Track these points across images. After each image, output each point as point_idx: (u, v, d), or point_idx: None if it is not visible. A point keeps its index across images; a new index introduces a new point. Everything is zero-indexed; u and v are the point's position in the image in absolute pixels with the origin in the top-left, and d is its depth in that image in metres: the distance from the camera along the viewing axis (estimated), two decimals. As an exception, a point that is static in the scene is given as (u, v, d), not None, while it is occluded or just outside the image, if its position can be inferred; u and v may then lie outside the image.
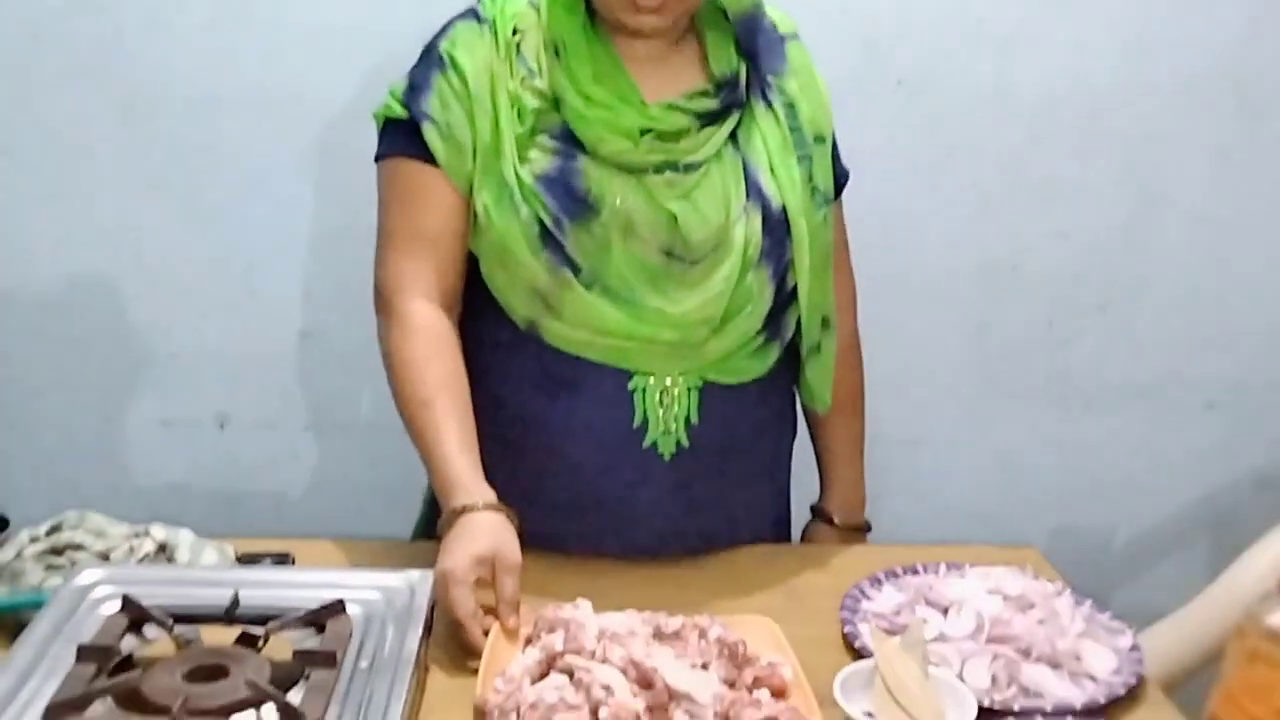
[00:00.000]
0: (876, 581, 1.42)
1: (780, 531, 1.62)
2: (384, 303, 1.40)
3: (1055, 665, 1.25)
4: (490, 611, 1.26)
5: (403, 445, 1.37)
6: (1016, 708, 1.19)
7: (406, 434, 1.36)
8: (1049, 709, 1.19)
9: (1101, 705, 1.20)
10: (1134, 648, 1.29)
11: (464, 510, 1.28)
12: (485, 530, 1.27)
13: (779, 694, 1.17)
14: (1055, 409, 2.26)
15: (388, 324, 1.40)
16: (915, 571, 1.43)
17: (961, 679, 1.21)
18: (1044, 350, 2.22)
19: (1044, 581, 1.37)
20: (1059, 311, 2.21)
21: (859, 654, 1.27)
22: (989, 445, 2.27)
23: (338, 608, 1.14)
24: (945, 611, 1.33)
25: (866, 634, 1.29)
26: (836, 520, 1.63)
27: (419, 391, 1.35)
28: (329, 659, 1.05)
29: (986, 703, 1.18)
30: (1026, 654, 1.25)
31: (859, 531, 1.64)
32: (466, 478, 1.31)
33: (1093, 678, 1.25)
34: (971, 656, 1.25)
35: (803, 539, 1.65)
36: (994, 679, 1.23)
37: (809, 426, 1.64)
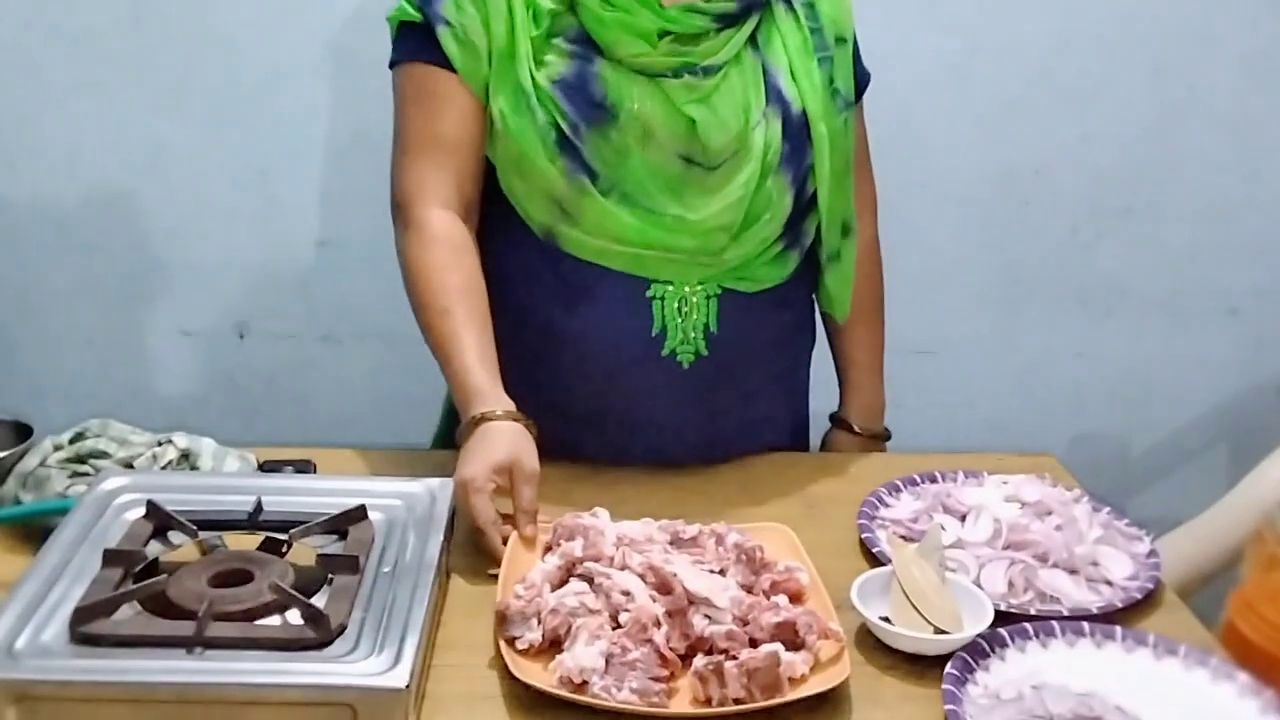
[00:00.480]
0: (894, 489, 1.42)
1: (799, 439, 1.62)
2: (401, 211, 1.40)
3: (1072, 571, 1.26)
4: (509, 520, 1.28)
5: (422, 354, 1.37)
6: (1033, 612, 1.20)
7: (425, 343, 1.37)
8: (1065, 613, 1.20)
9: (1117, 610, 1.21)
10: (1151, 553, 1.30)
11: (483, 419, 1.29)
12: (504, 439, 1.28)
13: (796, 599, 1.18)
14: (1076, 316, 2.25)
15: (405, 233, 1.39)
16: (933, 479, 1.44)
17: (978, 584, 1.22)
18: (1066, 257, 2.21)
19: (1062, 488, 1.38)
20: (1082, 217, 2.19)
21: (876, 560, 1.28)
22: (1009, 353, 2.27)
23: (360, 514, 1.15)
24: (963, 518, 1.33)
25: (884, 540, 1.30)
26: (856, 428, 1.63)
27: (437, 300, 1.35)
28: (352, 564, 1.06)
29: (1003, 607, 1.19)
30: (1043, 559, 1.26)
31: (878, 439, 1.64)
32: (485, 386, 1.31)
33: (1109, 583, 1.26)
34: (989, 562, 1.26)
35: (822, 447, 1.66)
36: (1010, 584, 1.24)
37: (828, 335, 1.64)
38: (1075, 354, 2.26)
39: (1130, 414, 2.31)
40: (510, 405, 1.31)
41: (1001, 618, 1.16)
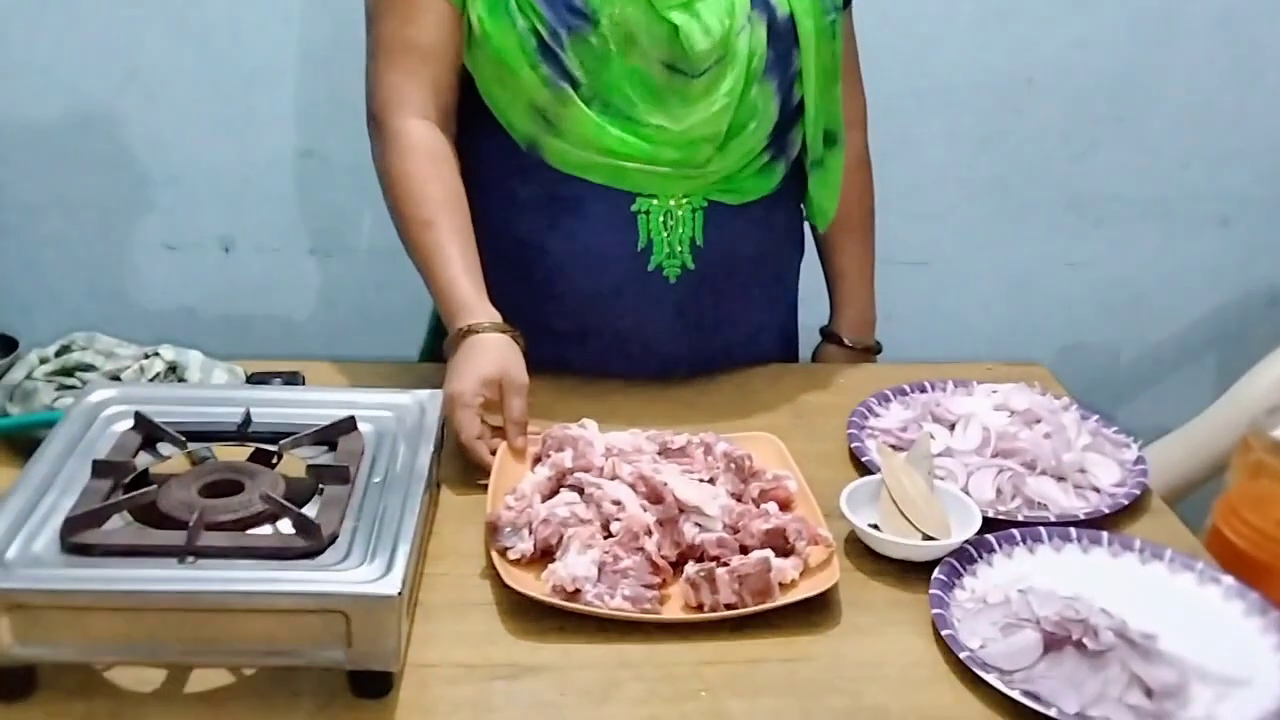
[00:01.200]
0: (884, 399, 1.43)
1: (788, 353, 1.63)
2: (377, 121, 1.38)
3: (1060, 478, 1.27)
4: (499, 432, 1.28)
5: (407, 268, 1.37)
6: (1020, 518, 1.22)
7: (408, 256, 1.36)
8: (1053, 518, 1.21)
9: (1104, 516, 1.22)
10: (1139, 460, 1.31)
11: (470, 331, 1.29)
12: (492, 351, 1.28)
13: (785, 506, 1.19)
14: (1067, 226, 2.25)
15: (382, 143, 1.38)
16: (923, 389, 1.44)
17: (966, 492, 1.24)
18: (1058, 165, 2.20)
19: (1050, 397, 1.38)
20: (1074, 125, 2.18)
21: (866, 470, 1.29)
22: (1000, 264, 2.27)
23: (349, 425, 1.15)
24: (951, 427, 1.34)
25: (873, 449, 1.31)
26: (846, 341, 1.63)
27: (420, 212, 1.34)
28: (342, 474, 1.07)
29: (991, 514, 1.20)
30: (1031, 467, 1.27)
31: (869, 353, 1.65)
32: (471, 299, 1.31)
33: (1096, 489, 1.27)
34: (977, 470, 1.27)
35: (813, 361, 1.66)
36: (999, 491, 1.25)
37: (818, 247, 1.63)
38: (1066, 264, 2.26)
39: (1120, 323, 2.32)
40: (497, 317, 1.31)
41: (989, 525, 1.18)
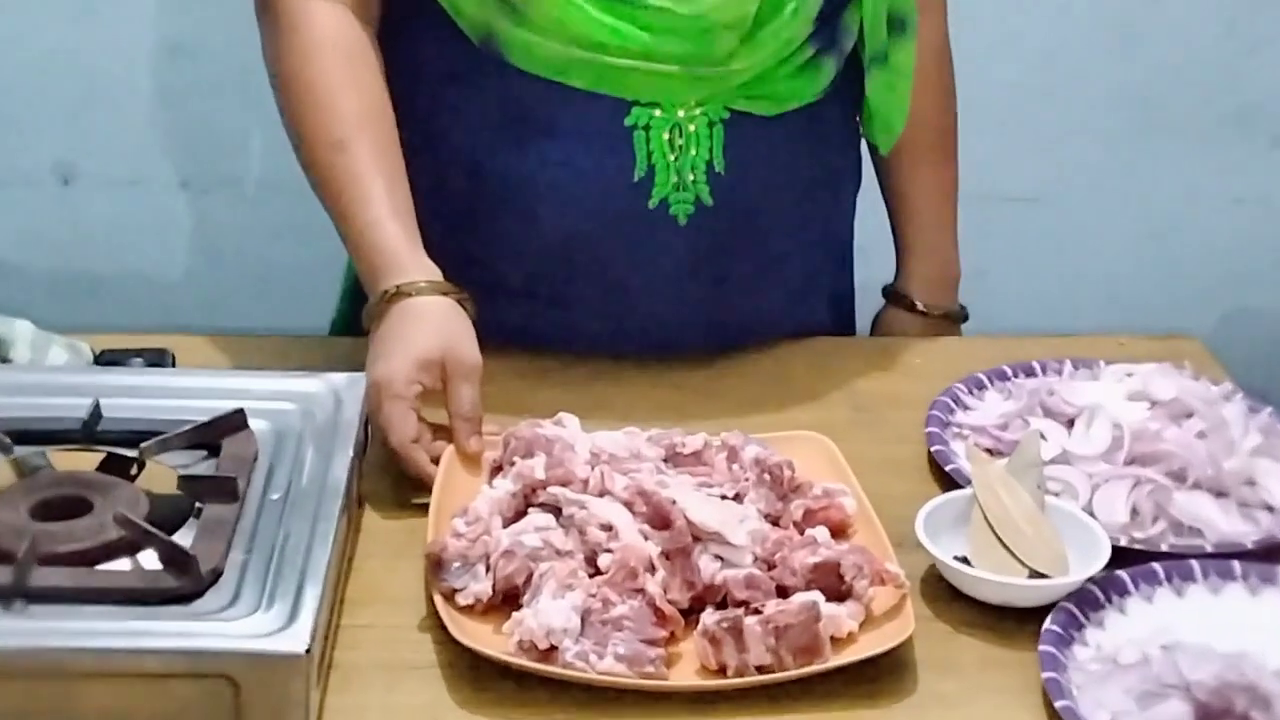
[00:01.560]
0: (976, 385, 1.44)
1: (842, 320, 1.64)
2: (268, 5, 1.39)
3: (1220, 493, 1.28)
4: (443, 432, 1.29)
5: (314, 207, 1.37)
6: (1164, 547, 1.22)
7: (314, 193, 1.37)
8: (1210, 548, 1.22)
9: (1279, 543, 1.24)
10: None
11: (399, 294, 1.30)
12: (430, 321, 1.28)
13: (839, 532, 1.20)
14: (1231, 149, 2.26)
15: (274, 32, 1.38)
16: (1029, 372, 1.45)
17: (1091, 513, 1.24)
18: (1217, 68, 2.21)
19: (1207, 382, 1.39)
20: (1241, 13, 2.18)
21: (951, 482, 1.30)
22: (1138, 201, 2.28)
23: (237, 421, 1.16)
24: (1070, 423, 1.35)
25: (961, 455, 1.32)
26: (919, 305, 1.65)
27: (327, 131, 1.34)
28: (228, 489, 1.08)
29: (1124, 541, 1.21)
30: (1181, 478, 1.28)
31: (950, 320, 1.66)
32: (400, 249, 1.32)
33: (1270, 508, 1.28)
34: (1105, 482, 1.28)
35: (873, 330, 1.67)
36: (1135, 511, 1.26)
37: (880, 177, 1.64)
38: (1231, 200, 2.27)
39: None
40: (436, 273, 1.32)
41: (1122, 556, 1.19)
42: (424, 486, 1.24)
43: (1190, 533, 1.25)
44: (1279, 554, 1.23)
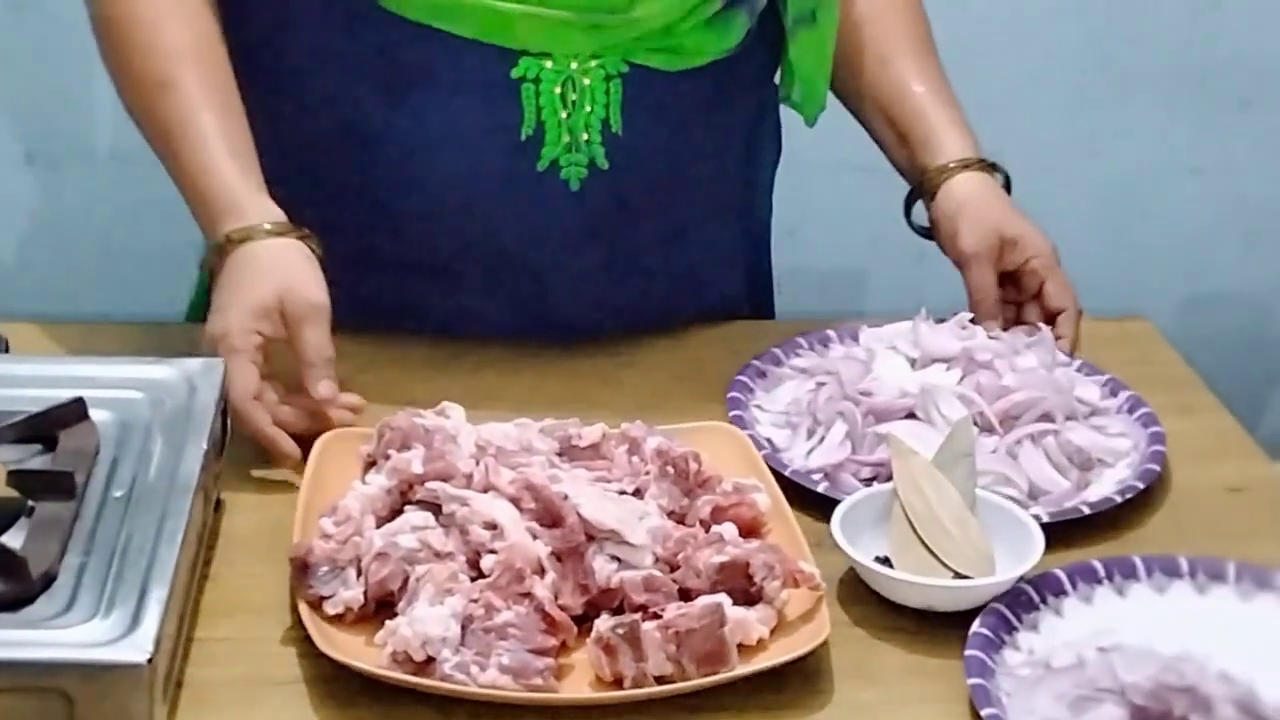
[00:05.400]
0: (763, 371, 1.47)
1: (759, 303, 1.66)
2: None
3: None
4: (302, 401, 1.31)
5: (163, 177, 1.38)
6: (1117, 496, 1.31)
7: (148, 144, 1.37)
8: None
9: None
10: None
11: (234, 240, 1.32)
12: (265, 264, 1.31)
13: (751, 531, 1.21)
14: (1196, 113, 2.29)
15: None
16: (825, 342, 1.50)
17: (1033, 492, 1.31)
18: (1183, 29, 2.23)
19: (959, 325, 1.45)
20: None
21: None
22: (1094, 168, 2.31)
23: (76, 411, 1.16)
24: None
25: (764, 424, 1.37)
26: (971, 157, 1.56)
27: (152, 68, 1.36)
28: (63, 485, 1.07)
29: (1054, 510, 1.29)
30: (1051, 419, 1.36)
31: (996, 171, 1.58)
32: (238, 190, 1.34)
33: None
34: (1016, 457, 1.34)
35: (933, 231, 1.56)
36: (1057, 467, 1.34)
37: (843, 99, 1.60)
38: (1191, 169, 2.30)
39: (1275, 263, 2.37)
40: (278, 214, 1.34)
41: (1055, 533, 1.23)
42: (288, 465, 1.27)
43: (1100, 465, 1.35)
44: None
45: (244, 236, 1.32)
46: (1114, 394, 1.44)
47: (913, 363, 1.41)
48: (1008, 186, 1.58)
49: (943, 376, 1.38)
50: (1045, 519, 1.27)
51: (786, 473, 1.30)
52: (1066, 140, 2.30)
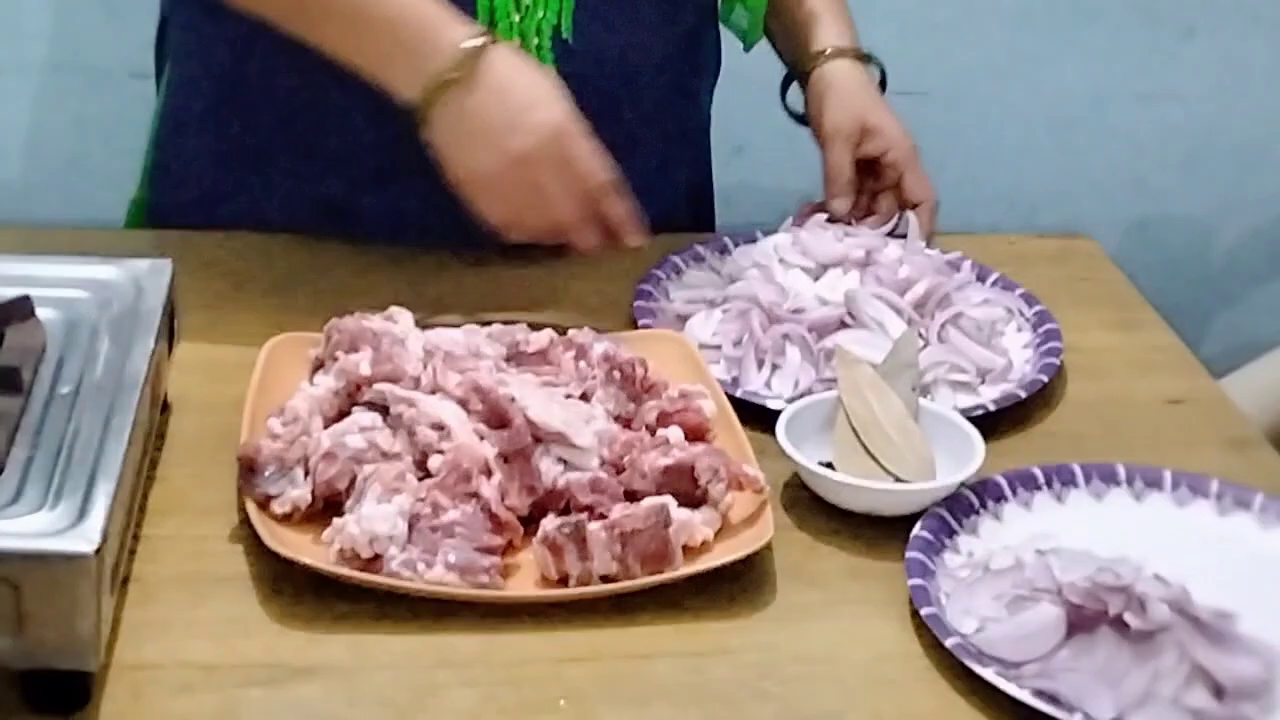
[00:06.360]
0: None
1: (701, 216, 1.69)
2: None
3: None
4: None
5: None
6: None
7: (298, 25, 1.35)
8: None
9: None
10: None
11: (482, 46, 1.30)
12: (529, 60, 1.32)
13: (696, 436, 1.22)
14: (1141, 37, 2.30)
15: None
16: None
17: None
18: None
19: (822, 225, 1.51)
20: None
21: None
22: (1038, 94, 2.31)
23: (23, 309, 1.16)
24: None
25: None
26: (843, 49, 1.60)
27: None
28: (9, 380, 1.08)
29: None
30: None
31: (868, 63, 1.63)
32: (442, 9, 1.32)
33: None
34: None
35: (806, 114, 1.61)
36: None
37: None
38: (1136, 95, 2.32)
39: (1219, 188, 2.39)
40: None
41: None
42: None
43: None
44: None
45: (488, 39, 1.31)
46: (1029, 304, 1.48)
47: (808, 272, 1.44)
48: (883, 84, 1.63)
49: (850, 281, 1.42)
50: (991, 408, 1.31)
51: (737, 393, 1.32)
52: (1012, 64, 2.31)
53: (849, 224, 1.53)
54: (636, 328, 1.40)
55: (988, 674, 1.04)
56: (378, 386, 1.20)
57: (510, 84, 1.31)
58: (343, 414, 1.20)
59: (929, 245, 1.53)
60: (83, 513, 0.97)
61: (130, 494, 1.08)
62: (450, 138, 1.33)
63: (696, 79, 1.61)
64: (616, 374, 1.25)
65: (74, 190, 2.00)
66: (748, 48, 1.60)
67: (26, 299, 1.17)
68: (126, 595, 1.08)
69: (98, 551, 0.94)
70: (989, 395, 1.35)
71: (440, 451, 1.15)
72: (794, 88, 1.64)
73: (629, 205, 1.34)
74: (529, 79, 1.32)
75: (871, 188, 1.57)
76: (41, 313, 1.17)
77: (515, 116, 1.31)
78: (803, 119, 1.61)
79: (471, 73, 1.31)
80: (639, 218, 1.38)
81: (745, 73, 1.66)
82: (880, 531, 1.19)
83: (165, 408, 1.26)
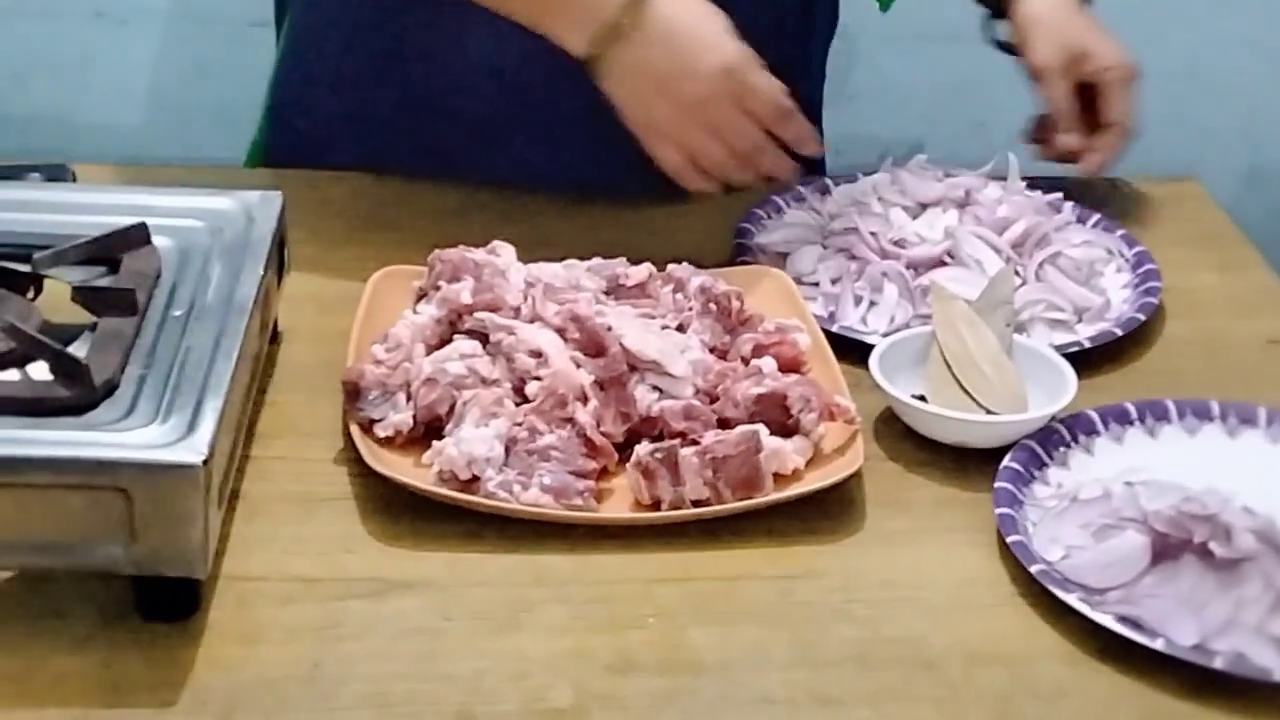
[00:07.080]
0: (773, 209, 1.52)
1: (810, 162, 1.67)
2: None
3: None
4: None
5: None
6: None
7: None
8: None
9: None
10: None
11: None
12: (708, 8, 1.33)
13: (790, 367, 1.24)
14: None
15: None
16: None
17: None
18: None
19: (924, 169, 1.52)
20: None
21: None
22: (1146, 42, 2.29)
23: (140, 236, 1.19)
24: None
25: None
26: None
27: None
28: (126, 301, 1.11)
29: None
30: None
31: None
32: None
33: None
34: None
35: (1013, 43, 1.59)
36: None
37: None
38: (1246, 42, 2.30)
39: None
40: None
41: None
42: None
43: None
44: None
45: None
46: (1129, 245, 1.48)
47: (908, 210, 1.46)
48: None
49: (948, 219, 1.43)
50: (1087, 345, 1.32)
51: (834, 328, 1.34)
52: (1128, 13, 2.30)
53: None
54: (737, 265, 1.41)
55: (1071, 599, 1.05)
56: (478, 315, 1.23)
57: (679, 27, 1.32)
58: (444, 341, 1.23)
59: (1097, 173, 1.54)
60: (191, 426, 1.00)
61: (238, 413, 1.11)
62: (624, 88, 1.34)
63: (815, 20, 1.61)
64: (712, 306, 1.26)
65: (195, 136, 2.04)
66: (885, 8, 1.60)
67: (143, 226, 1.20)
68: (235, 511, 1.12)
69: (205, 462, 0.97)
70: (1085, 333, 1.35)
71: (538, 378, 1.18)
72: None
73: (805, 123, 1.36)
74: (696, 20, 1.32)
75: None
76: (157, 240, 1.21)
77: (687, 62, 1.32)
78: (1009, 48, 1.58)
79: (638, 20, 1.32)
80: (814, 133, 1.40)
81: (861, 24, 1.66)
82: (971, 464, 1.20)
83: (275, 337, 1.30)
